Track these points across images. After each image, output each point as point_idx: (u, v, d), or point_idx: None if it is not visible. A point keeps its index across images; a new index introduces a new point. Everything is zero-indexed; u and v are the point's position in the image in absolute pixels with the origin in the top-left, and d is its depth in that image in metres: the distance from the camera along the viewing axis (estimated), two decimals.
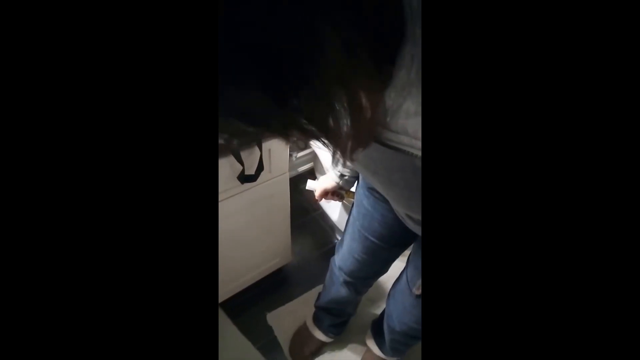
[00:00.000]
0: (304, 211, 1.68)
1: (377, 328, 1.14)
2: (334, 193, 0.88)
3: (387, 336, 1.06)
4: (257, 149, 0.90)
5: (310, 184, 0.89)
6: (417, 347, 1.22)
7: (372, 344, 1.18)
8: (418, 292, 0.68)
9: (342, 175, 0.84)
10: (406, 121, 0.33)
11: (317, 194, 0.89)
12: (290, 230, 1.31)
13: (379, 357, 1.17)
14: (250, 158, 0.93)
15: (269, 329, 1.31)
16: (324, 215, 1.65)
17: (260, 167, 0.94)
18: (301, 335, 1.27)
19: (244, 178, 0.93)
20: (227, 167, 0.91)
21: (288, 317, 1.34)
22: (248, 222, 1.12)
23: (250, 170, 0.94)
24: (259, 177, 0.96)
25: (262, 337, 1.29)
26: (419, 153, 0.34)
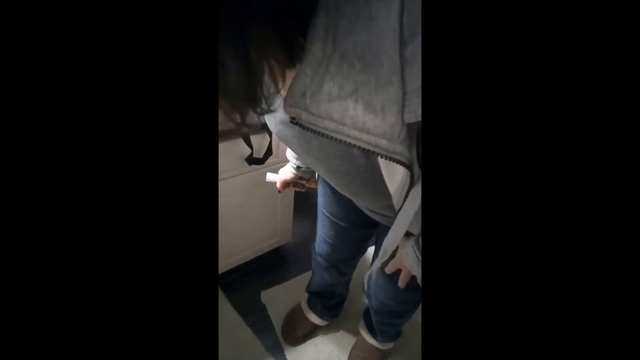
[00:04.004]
0: (308, 196, 1.66)
1: (367, 315, 1.15)
2: (295, 184, 0.87)
3: (372, 318, 1.08)
4: (267, 135, 0.87)
5: (270, 177, 0.86)
6: (412, 341, 1.24)
7: (364, 331, 1.19)
8: (389, 272, 0.69)
9: (298, 167, 0.82)
10: (329, 105, 0.31)
11: (278, 185, 0.87)
12: (293, 212, 1.29)
13: (370, 344, 1.19)
14: (259, 145, 0.92)
15: (263, 307, 1.32)
16: None
17: (268, 152, 0.91)
18: (295, 317, 1.28)
19: (252, 160, 0.91)
20: (236, 150, 0.90)
21: (283, 297, 1.34)
22: (253, 200, 1.11)
23: (259, 155, 0.92)
24: (266, 161, 0.94)
25: (255, 315, 1.29)
26: (349, 140, 0.32)
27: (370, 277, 0.64)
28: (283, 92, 0.35)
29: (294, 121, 0.33)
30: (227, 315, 1.27)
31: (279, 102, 0.41)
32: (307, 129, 0.33)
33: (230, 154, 0.90)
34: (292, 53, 0.32)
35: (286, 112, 0.33)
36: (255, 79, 0.30)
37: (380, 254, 0.54)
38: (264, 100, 0.33)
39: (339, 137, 0.32)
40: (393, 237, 0.49)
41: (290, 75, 0.37)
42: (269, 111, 0.34)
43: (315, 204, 1.64)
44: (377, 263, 0.57)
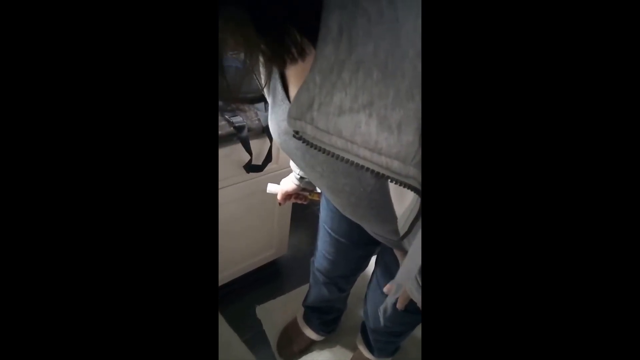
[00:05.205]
0: (305, 205, 1.64)
1: (365, 330, 1.12)
2: (297, 195, 0.84)
3: (369, 336, 1.06)
4: (267, 140, 0.86)
5: (271, 188, 0.84)
6: (411, 356, 1.21)
7: (362, 346, 1.16)
8: (387, 291, 0.66)
9: (301, 178, 0.79)
10: (339, 118, 0.27)
11: (279, 197, 0.84)
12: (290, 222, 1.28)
13: (367, 359, 1.15)
14: (258, 150, 0.90)
15: (258, 322, 1.28)
16: None
17: (268, 158, 0.90)
18: (290, 332, 1.25)
19: (251, 167, 0.90)
20: (234, 156, 0.88)
21: (278, 312, 1.31)
22: (248, 211, 1.09)
23: (258, 161, 0.91)
24: (265, 168, 0.93)
25: (250, 330, 1.26)
26: (358, 160, 0.29)
27: (385, 311, 0.59)
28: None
29: (297, 135, 0.30)
30: (222, 330, 1.24)
31: (284, 107, 0.38)
32: (312, 145, 0.30)
33: (224, 161, 0.89)
34: (279, 46, 0.28)
35: (289, 124, 0.30)
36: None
37: (395, 289, 0.50)
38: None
39: (347, 156, 0.29)
40: (406, 271, 0.44)
41: (296, 77, 0.35)
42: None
43: (313, 213, 1.63)
44: (391, 299, 0.54)
